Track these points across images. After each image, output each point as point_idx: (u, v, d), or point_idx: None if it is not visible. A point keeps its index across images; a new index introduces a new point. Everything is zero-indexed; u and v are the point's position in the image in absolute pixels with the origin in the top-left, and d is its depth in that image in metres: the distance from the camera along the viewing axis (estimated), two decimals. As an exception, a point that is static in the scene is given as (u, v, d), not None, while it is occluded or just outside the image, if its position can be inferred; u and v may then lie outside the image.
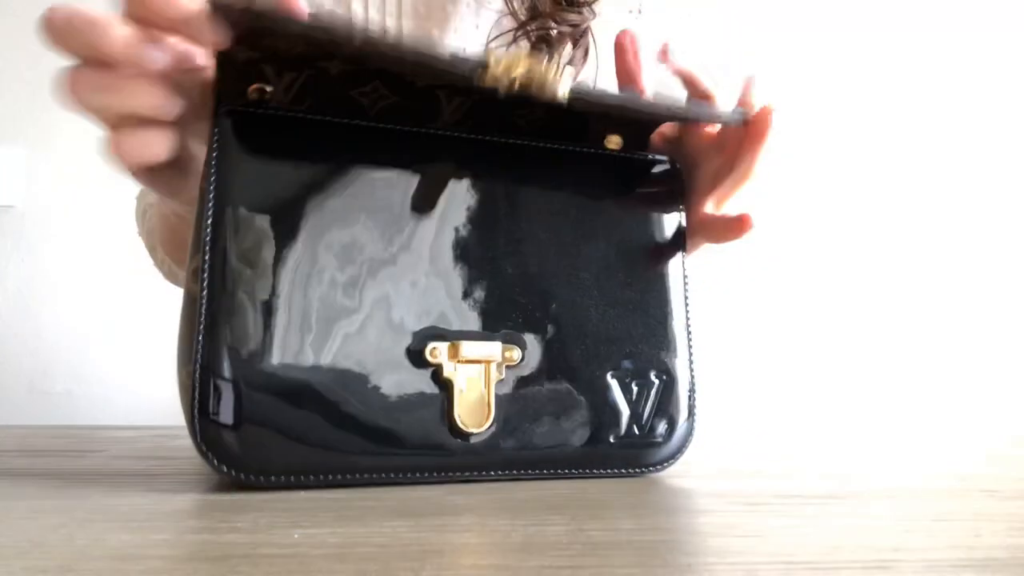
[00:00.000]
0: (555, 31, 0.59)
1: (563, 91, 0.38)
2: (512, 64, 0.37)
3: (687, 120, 0.47)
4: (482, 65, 0.37)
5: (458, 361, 0.39)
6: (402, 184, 0.40)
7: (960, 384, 1.46)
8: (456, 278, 0.41)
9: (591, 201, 0.45)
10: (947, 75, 1.54)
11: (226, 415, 0.35)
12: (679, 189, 0.47)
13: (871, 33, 1.53)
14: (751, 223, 0.44)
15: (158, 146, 0.37)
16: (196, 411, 0.35)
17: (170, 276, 0.71)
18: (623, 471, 0.43)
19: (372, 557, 0.24)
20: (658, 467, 0.44)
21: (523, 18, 0.59)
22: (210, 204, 0.37)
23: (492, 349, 0.40)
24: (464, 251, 0.41)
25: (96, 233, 1.31)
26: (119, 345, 1.33)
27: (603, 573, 0.23)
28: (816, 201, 1.50)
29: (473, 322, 0.40)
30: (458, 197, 0.41)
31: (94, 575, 0.22)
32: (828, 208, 1.50)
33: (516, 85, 0.37)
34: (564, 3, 0.59)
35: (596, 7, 0.60)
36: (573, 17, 0.59)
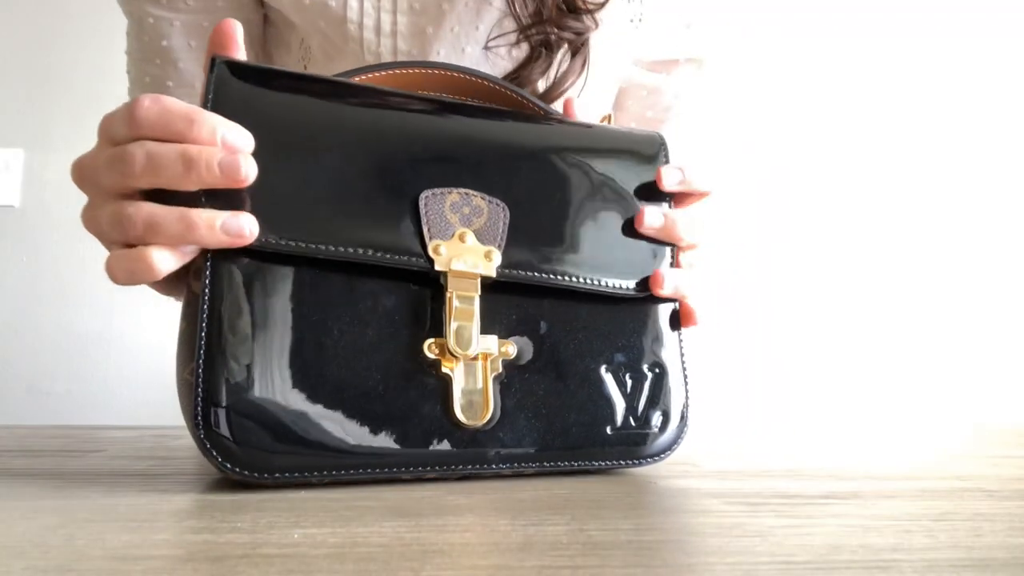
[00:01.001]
0: (555, 37, 0.59)
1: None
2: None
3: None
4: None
5: (456, 357, 0.39)
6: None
7: (961, 384, 1.46)
8: None
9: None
10: (944, 75, 1.54)
11: (228, 417, 0.35)
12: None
13: (870, 36, 1.53)
14: (695, 320, 0.47)
15: (162, 265, 0.37)
16: (199, 409, 0.35)
17: None
18: (621, 463, 0.43)
19: (372, 557, 0.24)
20: (655, 458, 0.44)
21: (526, 22, 0.59)
22: None
23: (489, 344, 0.40)
24: None
25: (96, 233, 1.31)
26: (119, 345, 1.33)
27: (603, 573, 0.23)
28: (818, 203, 1.50)
29: None
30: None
31: (94, 575, 0.22)
32: (830, 211, 1.50)
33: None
34: (567, 10, 0.58)
35: (598, 16, 0.60)
36: (577, 25, 0.59)
